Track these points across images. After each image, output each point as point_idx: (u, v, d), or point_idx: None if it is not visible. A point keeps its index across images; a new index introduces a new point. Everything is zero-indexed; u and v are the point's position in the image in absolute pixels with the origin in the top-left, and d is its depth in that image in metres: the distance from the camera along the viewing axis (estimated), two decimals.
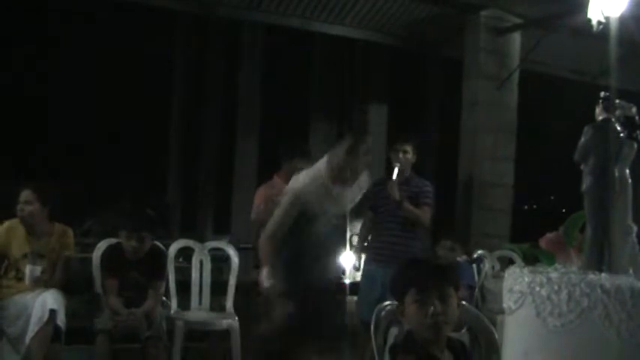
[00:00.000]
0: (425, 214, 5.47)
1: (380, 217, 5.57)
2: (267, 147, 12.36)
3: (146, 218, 4.88)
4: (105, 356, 4.40)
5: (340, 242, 4.28)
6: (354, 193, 4.14)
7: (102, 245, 5.00)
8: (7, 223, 4.63)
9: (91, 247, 5.11)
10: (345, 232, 4.21)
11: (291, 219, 4.01)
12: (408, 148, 5.59)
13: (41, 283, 4.47)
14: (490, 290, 5.85)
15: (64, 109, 16.62)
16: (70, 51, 16.03)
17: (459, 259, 5.82)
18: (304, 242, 3.99)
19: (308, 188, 3.99)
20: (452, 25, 8.86)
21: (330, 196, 3.99)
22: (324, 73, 13.96)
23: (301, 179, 4.09)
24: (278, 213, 4.08)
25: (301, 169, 5.49)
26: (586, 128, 1.67)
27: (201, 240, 5.94)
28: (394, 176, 5.44)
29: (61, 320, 4.32)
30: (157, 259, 4.88)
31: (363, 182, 4.17)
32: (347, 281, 7.98)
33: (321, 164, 4.06)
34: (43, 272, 4.54)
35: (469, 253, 6.31)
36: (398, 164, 5.47)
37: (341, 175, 3.99)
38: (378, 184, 5.55)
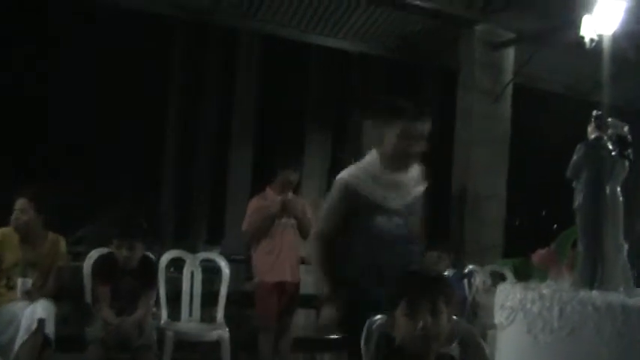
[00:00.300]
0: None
1: None
2: (261, 157, 12.36)
3: (137, 227, 4.87)
4: None
5: (412, 235, 3.48)
6: (416, 179, 3.56)
7: (93, 254, 4.99)
8: (0, 231, 4.61)
9: (83, 256, 5.09)
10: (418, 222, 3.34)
11: (342, 214, 3.37)
12: None
13: (32, 296, 4.45)
14: (481, 305, 5.84)
15: (59, 113, 16.54)
16: (69, 53, 16.00)
17: (446, 272, 5.82)
18: (366, 239, 3.32)
19: (357, 178, 3.36)
20: (447, 38, 8.90)
21: (388, 185, 3.38)
22: (320, 84, 14.00)
23: (348, 170, 3.46)
24: (325, 208, 3.47)
25: (294, 180, 5.52)
26: (578, 146, 1.68)
27: (193, 250, 5.93)
28: None
29: (50, 329, 4.30)
30: (148, 268, 4.87)
31: (418, 172, 3.60)
32: None
33: (372, 153, 3.44)
34: (33, 284, 4.52)
35: (461, 266, 6.31)
36: None
37: (395, 162, 3.38)
38: None
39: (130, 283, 4.73)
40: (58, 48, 15.99)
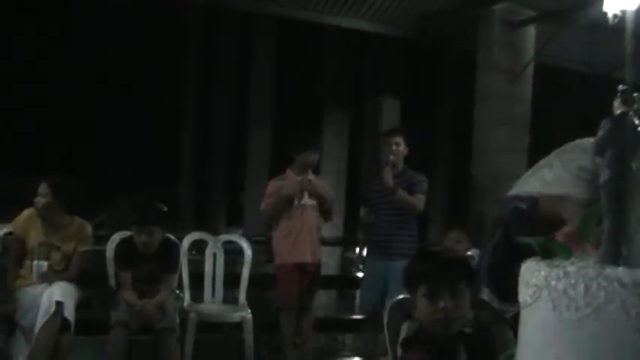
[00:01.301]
0: (419, 202, 5.44)
1: (374, 211, 5.56)
2: (280, 139, 12.38)
3: (153, 212, 4.89)
4: (120, 347, 4.42)
5: None
6: None
7: (115, 238, 5.03)
8: (26, 212, 4.68)
9: (105, 240, 5.14)
10: None
11: None
12: (400, 140, 5.56)
13: (49, 278, 4.49)
14: None
15: (74, 100, 16.67)
16: (84, 41, 16.06)
17: (470, 252, 5.81)
18: None
19: None
20: (466, 18, 8.82)
21: None
22: (337, 66, 13.95)
23: None
24: None
25: (314, 161, 5.52)
26: (604, 121, 1.66)
27: (214, 233, 5.95)
28: (388, 166, 5.41)
29: (69, 312, 4.34)
30: (170, 251, 4.90)
31: None
32: (360, 275, 8.00)
33: None
34: (50, 266, 4.57)
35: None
36: (391, 156, 5.45)
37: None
38: (370, 180, 5.54)
39: (151, 266, 4.77)
40: (68, 35, 16.07)
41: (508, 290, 2.80)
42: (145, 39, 16.25)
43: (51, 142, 16.69)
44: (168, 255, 4.86)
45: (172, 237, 5.01)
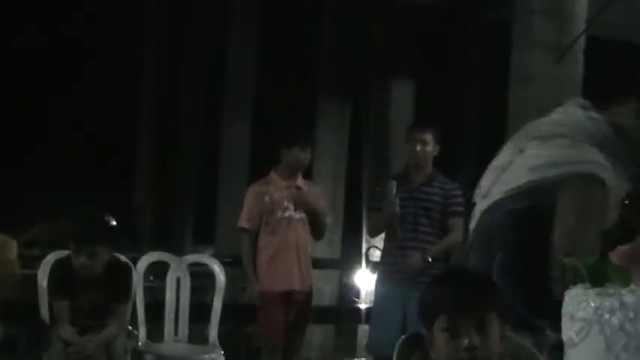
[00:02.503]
0: (456, 232, 5.47)
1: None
2: (262, 135, 12.37)
3: (98, 226, 4.85)
4: None
5: None
6: None
7: (50, 259, 5.00)
8: None
9: (37, 262, 5.11)
10: None
11: None
12: (427, 137, 5.56)
13: None
14: None
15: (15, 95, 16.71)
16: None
17: None
18: None
19: None
20: None
21: None
22: (336, 40, 13.94)
23: None
24: None
25: (304, 161, 5.53)
26: None
27: (179, 253, 5.95)
28: (393, 190, 5.43)
29: None
30: (118, 276, 4.87)
31: None
32: (362, 306, 8.00)
33: None
34: None
35: None
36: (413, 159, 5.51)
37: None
38: (394, 179, 5.57)
39: (94, 295, 4.74)
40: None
41: (540, 302, 2.96)
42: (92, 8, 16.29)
43: None
44: (116, 281, 4.83)
45: (122, 258, 4.99)
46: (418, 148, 5.49)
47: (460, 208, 5.49)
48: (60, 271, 4.83)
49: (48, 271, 4.93)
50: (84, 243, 4.69)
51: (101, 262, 4.74)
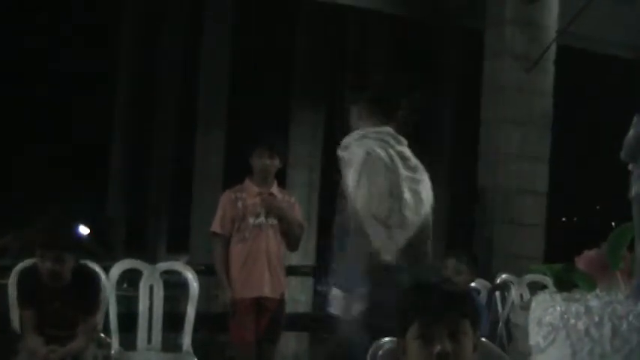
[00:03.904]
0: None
1: None
2: (235, 145, 12.35)
3: (66, 232, 4.84)
4: None
5: None
6: None
7: (19, 268, 4.97)
8: None
9: (7, 272, 5.07)
10: None
11: None
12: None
13: None
14: (518, 326, 5.86)
15: None
16: None
17: (473, 284, 5.86)
18: None
19: None
20: None
21: None
22: (310, 49, 13.94)
23: None
24: None
25: (270, 168, 5.56)
26: (635, 118, 1.68)
27: (151, 261, 5.93)
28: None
29: None
30: (87, 286, 4.85)
31: None
32: None
33: None
34: None
35: (491, 278, 6.34)
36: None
37: None
38: None
39: (61, 304, 4.70)
40: None
41: None
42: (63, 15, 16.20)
43: None
44: (84, 291, 4.80)
45: (90, 266, 4.97)
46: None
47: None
48: (26, 279, 4.81)
49: (17, 280, 4.91)
50: (49, 248, 4.66)
51: (68, 268, 4.70)
